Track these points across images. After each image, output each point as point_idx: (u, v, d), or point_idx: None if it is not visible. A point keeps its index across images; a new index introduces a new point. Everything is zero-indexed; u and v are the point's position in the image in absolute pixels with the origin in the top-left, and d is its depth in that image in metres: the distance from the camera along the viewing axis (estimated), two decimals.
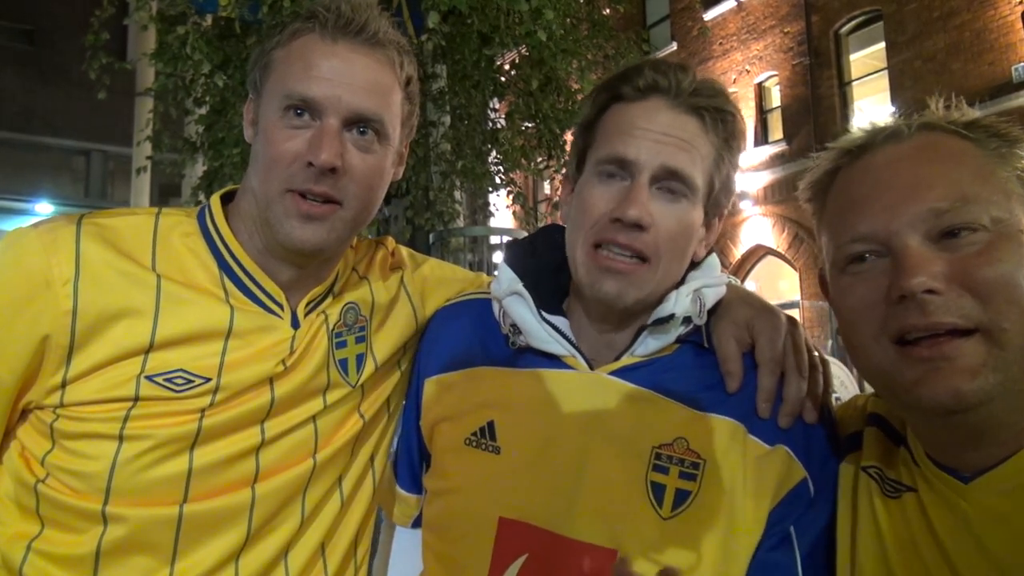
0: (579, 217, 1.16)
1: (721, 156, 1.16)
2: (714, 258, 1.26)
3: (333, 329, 1.23)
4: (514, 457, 1.16)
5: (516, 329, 1.21)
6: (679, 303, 1.16)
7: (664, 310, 1.15)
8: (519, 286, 1.21)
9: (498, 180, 7.71)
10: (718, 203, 1.20)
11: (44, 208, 13.18)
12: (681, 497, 1.09)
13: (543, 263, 1.27)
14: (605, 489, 1.10)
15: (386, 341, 1.30)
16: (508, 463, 1.16)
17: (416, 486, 1.34)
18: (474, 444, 1.19)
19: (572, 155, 1.25)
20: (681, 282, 1.19)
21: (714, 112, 1.14)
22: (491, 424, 1.19)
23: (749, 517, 1.09)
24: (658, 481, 1.10)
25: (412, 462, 1.34)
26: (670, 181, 1.11)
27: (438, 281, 1.43)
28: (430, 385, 1.30)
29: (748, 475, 1.11)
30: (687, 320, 1.17)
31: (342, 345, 1.23)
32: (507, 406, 1.20)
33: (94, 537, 1.04)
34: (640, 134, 1.12)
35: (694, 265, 1.22)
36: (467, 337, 1.29)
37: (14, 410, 1.08)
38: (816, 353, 1.20)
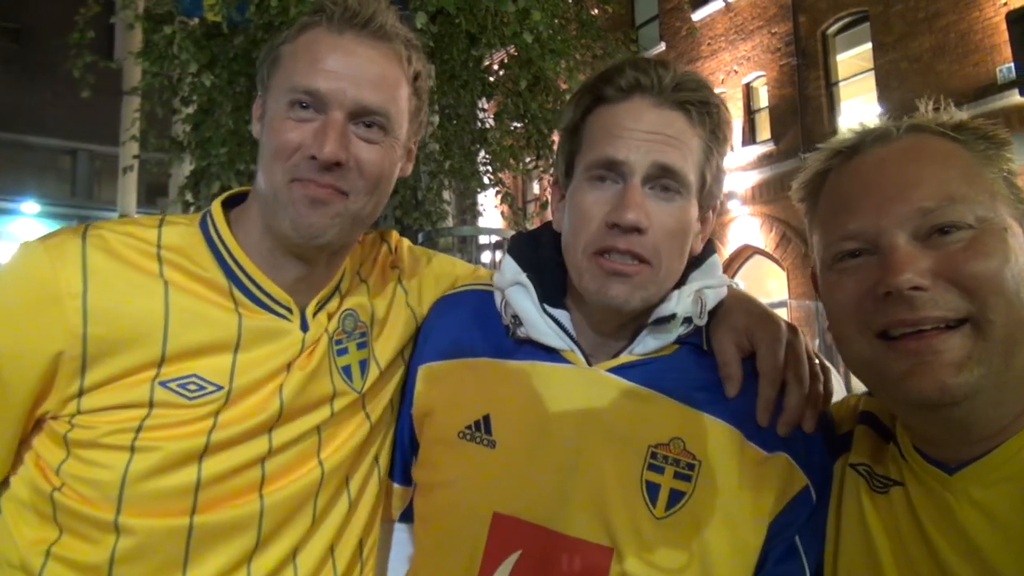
0: (575, 224, 1.15)
1: (710, 148, 1.15)
2: (716, 258, 1.25)
3: (333, 336, 1.22)
4: (509, 451, 1.15)
5: (517, 320, 1.20)
6: (681, 303, 1.15)
7: (666, 309, 1.15)
8: (522, 277, 1.21)
9: (486, 180, 7.71)
10: (711, 195, 1.19)
11: (30, 207, 13.05)
12: (675, 497, 1.09)
13: (547, 256, 1.25)
14: (600, 486, 1.10)
15: (388, 345, 1.31)
16: (503, 457, 1.16)
17: (406, 478, 1.33)
18: (468, 437, 1.18)
19: (559, 160, 1.24)
20: (683, 282, 1.18)
21: (699, 105, 1.13)
22: (487, 418, 1.18)
23: (747, 521, 1.09)
24: (653, 480, 1.10)
25: (404, 453, 1.33)
26: (663, 179, 1.10)
27: (436, 278, 1.42)
28: (423, 372, 1.29)
29: (744, 480, 1.10)
30: (687, 320, 1.17)
31: (343, 352, 1.23)
32: (503, 399, 1.19)
33: (108, 546, 1.05)
34: (627, 135, 1.10)
35: (696, 265, 1.22)
36: (465, 326, 1.29)
37: (30, 417, 1.08)
38: (817, 361, 1.19)
